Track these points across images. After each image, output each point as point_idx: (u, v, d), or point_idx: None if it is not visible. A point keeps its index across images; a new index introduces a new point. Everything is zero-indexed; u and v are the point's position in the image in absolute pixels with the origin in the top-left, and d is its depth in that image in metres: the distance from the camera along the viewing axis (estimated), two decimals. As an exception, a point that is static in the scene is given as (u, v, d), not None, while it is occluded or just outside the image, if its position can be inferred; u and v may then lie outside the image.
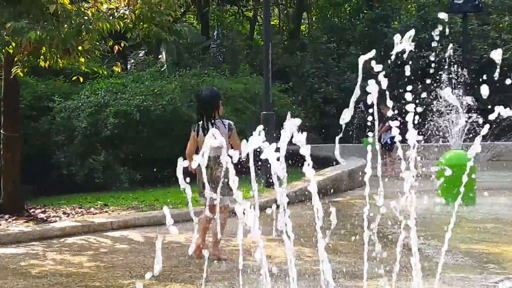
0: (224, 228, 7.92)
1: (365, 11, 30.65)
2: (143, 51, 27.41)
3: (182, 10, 24.43)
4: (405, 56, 3.65)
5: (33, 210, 12.19)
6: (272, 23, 30.17)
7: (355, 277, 6.53)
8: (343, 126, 3.39)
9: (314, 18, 33.54)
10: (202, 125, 7.87)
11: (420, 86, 12.08)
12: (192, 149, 7.85)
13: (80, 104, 16.59)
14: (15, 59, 11.00)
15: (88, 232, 9.87)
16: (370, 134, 3.91)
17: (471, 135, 18.21)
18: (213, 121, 7.79)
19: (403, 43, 3.49)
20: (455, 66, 18.53)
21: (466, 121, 18.17)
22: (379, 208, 3.57)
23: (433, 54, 17.89)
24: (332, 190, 13.27)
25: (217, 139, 3.18)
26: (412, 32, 3.46)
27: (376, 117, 3.52)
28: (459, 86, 19.01)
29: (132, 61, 27.57)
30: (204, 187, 7.33)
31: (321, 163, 15.14)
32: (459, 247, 8.04)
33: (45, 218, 11.36)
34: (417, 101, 3.52)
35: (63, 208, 12.34)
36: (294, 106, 21.20)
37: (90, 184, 15.59)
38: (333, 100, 25.94)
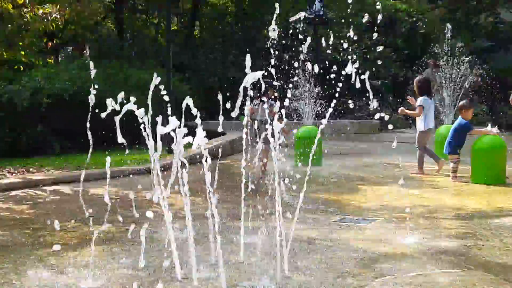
0: (268, 161, 9.21)
1: (241, 22, 30.80)
2: (71, 47, 26.55)
3: (102, 16, 23.73)
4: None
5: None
6: (172, 28, 29.74)
7: (235, 218, 6.61)
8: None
9: (204, 26, 33.32)
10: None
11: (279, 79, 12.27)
12: (250, 114, 9.37)
13: (20, 87, 15.86)
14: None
15: (28, 187, 9.53)
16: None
17: (318, 115, 18.79)
18: (263, 99, 9.19)
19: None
20: (308, 64, 18.91)
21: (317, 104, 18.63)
22: (252, 168, 3.66)
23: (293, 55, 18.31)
24: (218, 155, 13.25)
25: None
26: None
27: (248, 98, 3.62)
28: (311, 79, 19.55)
29: (63, 54, 26.66)
30: (254, 138, 8.92)
31: (208, 135, 15.11)
32: (311, 196, 8.27)
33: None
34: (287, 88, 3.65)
35: (7, 168, 11.83)
36: (190, 92, 20.98)
37: (29, 150, 14.99)
38: (218, 89, 25.88)
